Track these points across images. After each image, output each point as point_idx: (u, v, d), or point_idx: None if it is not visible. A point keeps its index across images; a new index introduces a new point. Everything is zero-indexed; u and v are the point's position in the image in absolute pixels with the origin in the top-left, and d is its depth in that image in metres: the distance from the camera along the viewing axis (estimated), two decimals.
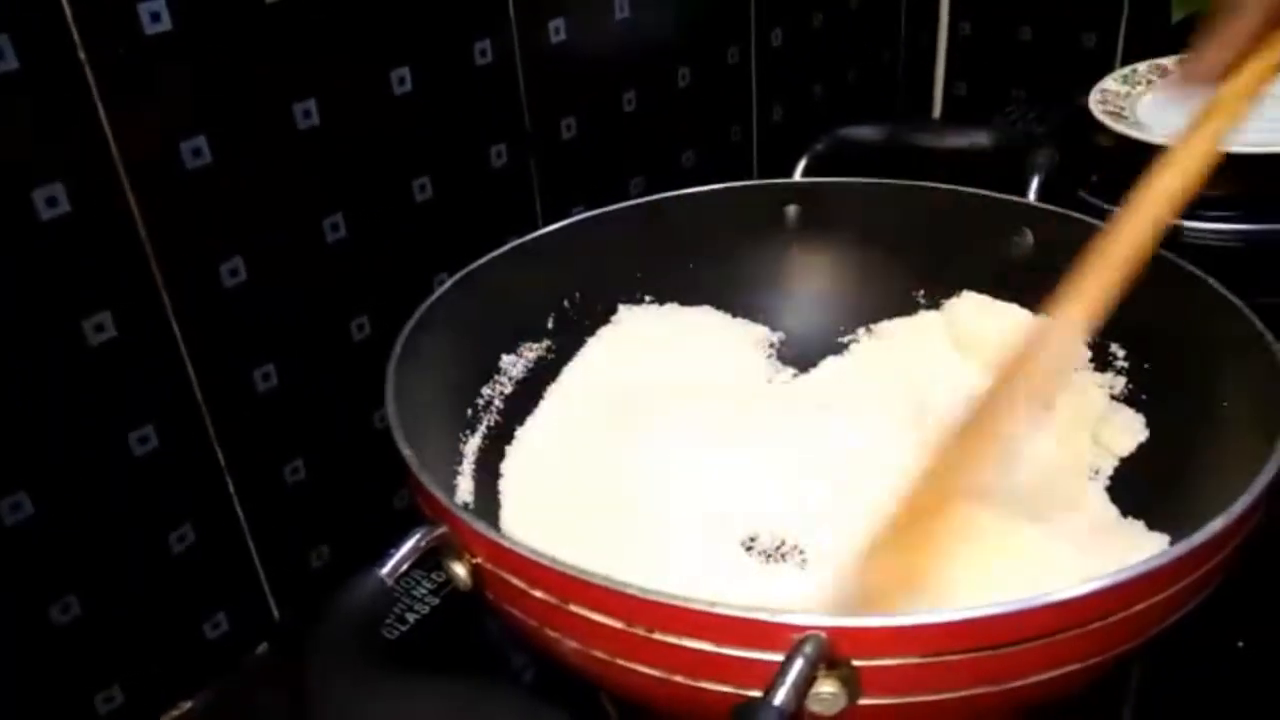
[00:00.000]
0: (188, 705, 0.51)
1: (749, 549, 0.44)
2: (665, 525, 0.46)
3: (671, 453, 0.50)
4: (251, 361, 0.51)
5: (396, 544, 0.31)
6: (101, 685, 0.48)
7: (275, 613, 0.55)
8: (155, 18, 0.44)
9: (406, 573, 0.30)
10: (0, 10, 0.40)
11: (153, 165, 0.45)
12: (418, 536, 0.31)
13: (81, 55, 0.42)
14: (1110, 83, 0.82)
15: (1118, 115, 0.77)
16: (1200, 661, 0.42)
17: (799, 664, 0.26)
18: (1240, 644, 0.43)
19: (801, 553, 0.44)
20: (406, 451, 0.35)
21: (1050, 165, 0.50)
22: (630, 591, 0.28)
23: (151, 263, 0.46)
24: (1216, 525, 0.29)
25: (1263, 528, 0.46)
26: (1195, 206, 0.70)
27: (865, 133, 0.57)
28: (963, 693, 0.28)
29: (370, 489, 0.58)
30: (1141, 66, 0.84)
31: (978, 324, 0.51)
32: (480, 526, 0.31)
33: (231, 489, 0.52)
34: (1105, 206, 0.74)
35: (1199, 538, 0.29)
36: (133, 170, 0.44)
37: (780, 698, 0.25)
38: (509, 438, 0.50)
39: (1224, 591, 0.36)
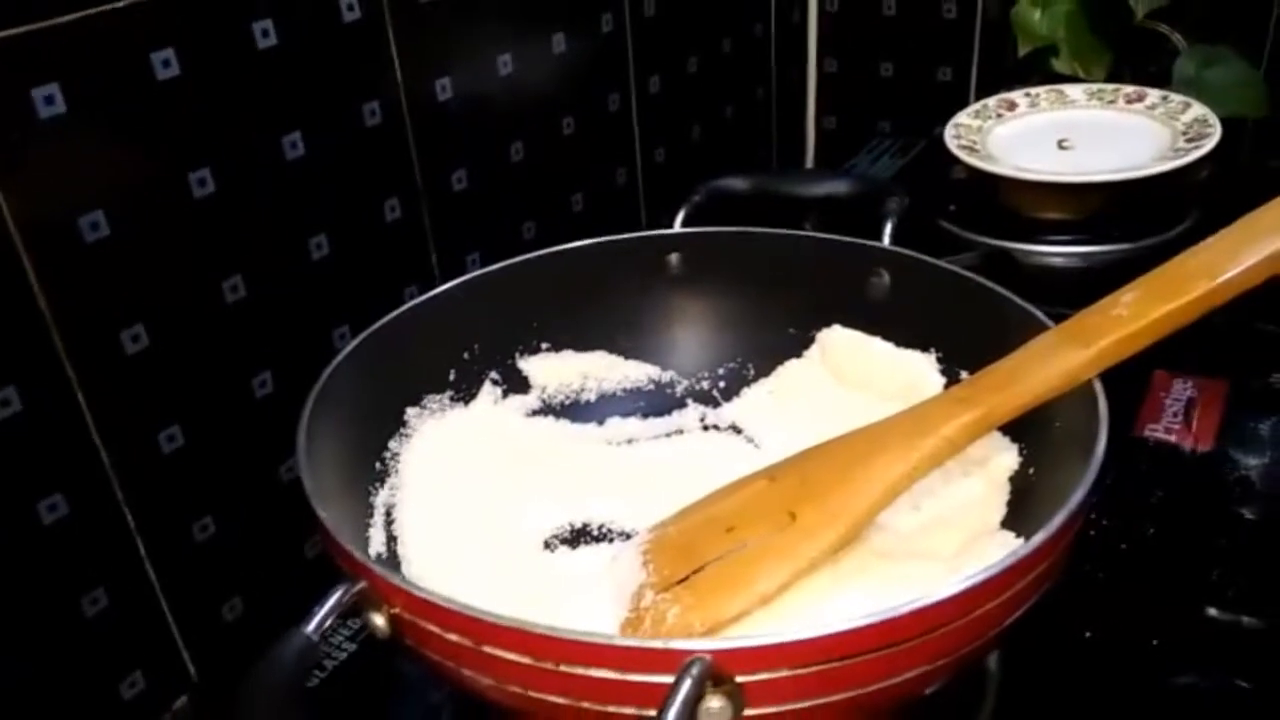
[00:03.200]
0: None
1: None
2: (539, 553, 0.50)
3: (553, 487, 0.53)
4: (157, 424, 0.52)
5: (320, 601, 0.33)
6: None
7: (190, 668, 0.56)
8: (49, 101, 0.45)
9: (330, 627, 0.32)
10: None
11: (51, 239, 0.46)
12: (339, 593, 0.33)
13: None
14: (964, 117, 0.88)
15: (970, 149, 0.83)
16: (1054, 650, 0.47)
17: (687, 683, 0.29)
18: (1088, 634, 0.48)
19: None
20: (322, 514, 0.37)
21: (900, 210, 0.55)
22: (537, 631, 0.31)
23: (53, 334, 0.47)
24: (1038, 538, 0.34)
25: (1100, 531, 0.52)
26: (1038, 230, 0.78)
27: (737, 184, 0.62)
28: (837, 696, 0.32)
29: (279, 539, 0.59)
30: (991, 101, 0.90)
31: (847, 354, 0.55)
32: (397, 580, 0.33)
33: (142, 550, 0.53)
34: (961, 234, 0.80)
35: (1023, 550, 0.34)
36: (31, 246, 0.45)
37: (672, 714, 0.28)
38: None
39: (1071, 591, 0.41)
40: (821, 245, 0.55)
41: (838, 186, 0.60)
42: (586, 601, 0.44)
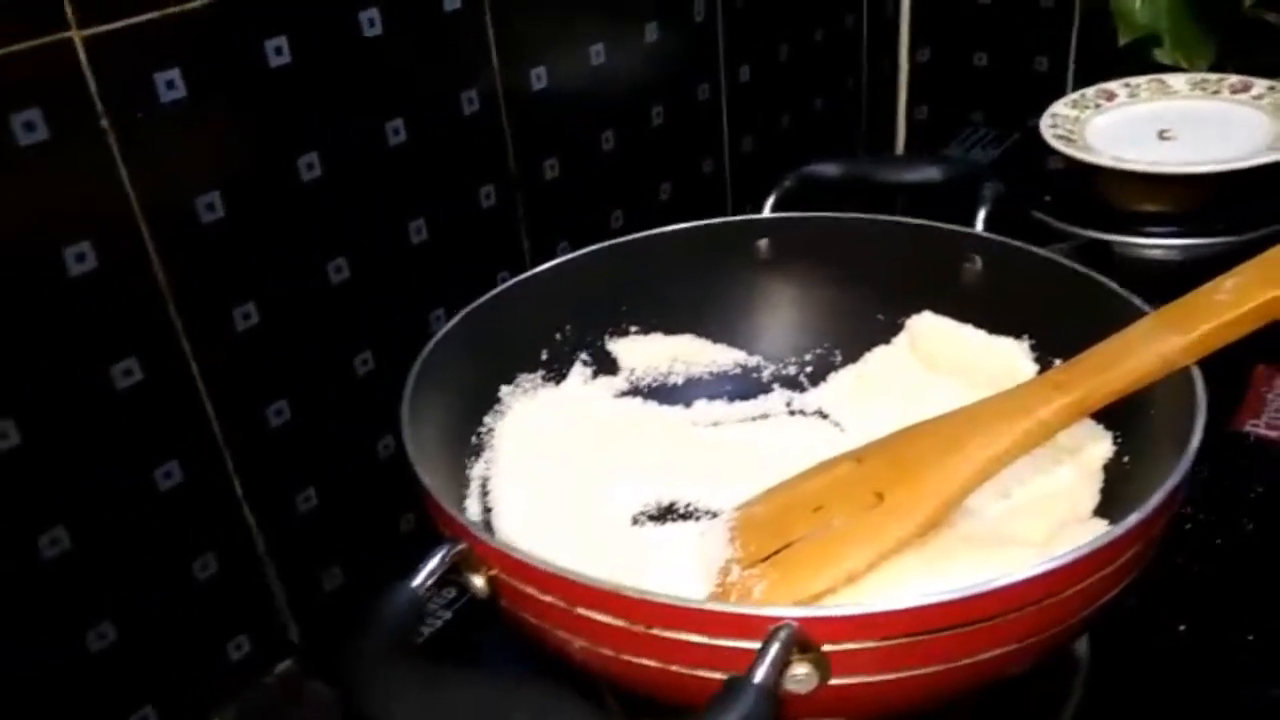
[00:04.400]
0: None
1: None
2: (628, 528, 0.51)
3: (641, 465, 0.54)
4: (264, 398, 0.55)
5: (424, 559, 0.35)
6: (135, 706, 0.51)
7: (293, 632, 0.59)
8: (170, 85, 0.48)
9: (433, 585, 0.34)
10: (31, 86, 0.43)
11: (171, 220, 0.48)
12: (442, 552, 0.35)
13: (104, 123, 0.46)
14: (1060, 107, 0.86)
15: (1067, 139, 0.82)
16: (1145, 643, 0.46)
17: (775, 648, 0.30)
18: (1181, 628, 0.47)
19: None
20: (426, 480, 0.39)
21: (995, 196, 0.55)
22: (630, 594, 0.32)
23: (171, 310, 0.50)
24: (1129, 521, 0.34)
25: (1197, 524, 0.51)
26: (1137, 222, 0.76)
27: (828, 169, 0.62)
28: (920, 671, 0.33)
29: (376, 513, 0.61)
30: (1090, 91, 0.88)
31: (937, 341, 0.55)
32: (497, 543, 0.35)
33: (250, 519, 0.55)
34: (1056, 225, 0.79)
35: (1113, 533, 0.34)
36: (153, 226, 0.48)
37: (759, 676, 0.29)
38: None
39: (1166, 584, 0.40)
40: (912, 231, 0.55)
41: (931, 172, 0.60)
42: (673, 575, 0.45)
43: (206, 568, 0.53)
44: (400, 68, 0.57)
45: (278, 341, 0.54)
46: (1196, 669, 0.46)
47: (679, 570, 0.45)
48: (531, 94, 0.65)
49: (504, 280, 0.59)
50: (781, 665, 0.30)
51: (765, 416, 0.59)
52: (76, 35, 0.44)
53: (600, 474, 0.53)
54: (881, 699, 0.34)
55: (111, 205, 0.47)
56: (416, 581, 0.34)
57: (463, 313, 0.51)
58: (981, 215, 0.54)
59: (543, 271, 0.55)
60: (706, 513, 0.52)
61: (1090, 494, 0.46)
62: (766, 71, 0.84)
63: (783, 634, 0.30)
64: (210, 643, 0.55)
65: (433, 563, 0.35)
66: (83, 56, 0.44)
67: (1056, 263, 0.50)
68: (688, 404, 0.59)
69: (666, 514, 0.52)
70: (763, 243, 0.59)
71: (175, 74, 0.47)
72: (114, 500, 0.49)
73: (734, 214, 0.83)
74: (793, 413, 0.59)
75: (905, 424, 0.46)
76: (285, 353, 0.55)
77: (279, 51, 0.51)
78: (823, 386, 0.59)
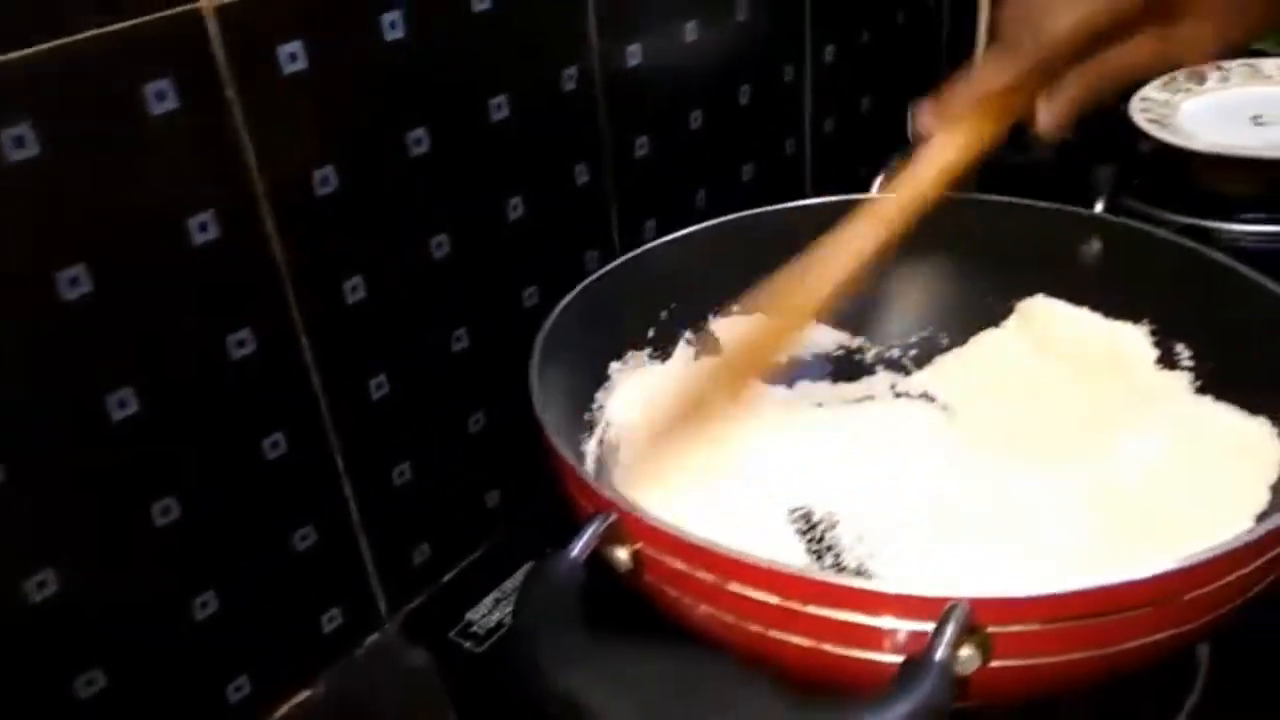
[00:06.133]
0: (307, 694, 0.55)
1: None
2: (733, 500, 0.50)
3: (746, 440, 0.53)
4: (367, 372, 0.55)
5: (580, 531, 0.35)
6: (232, 676, 0.52)
7: (382, 606, 0.59)
8: (293, 58, 0.48)
9: (590, 556, 0.34)
10: (163, 56, 0.43)
11: (288, 192, 0.48)
12: (595, 524, 0.35)
13: (229, 93, 0.46)
14: (1151, 90, 0.85)
15: (1159, 123, 0.81)
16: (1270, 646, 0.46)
17: (952, 626, 0.30)
18: None
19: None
20: (564, 452, 0.39)
21: (1114, 180, 0.54)
22: (790, 572, 0.32)
23: (285, 281, 0.50)
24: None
25: None
26: (1229, 208, 0.74)
27: None
28: (1073, 655, 0.32)
29: (466, 488, 0.62)
30: (1181, 74, 0.87)
31: (1051, 324, 0.54)
32: (649, 517, 0.35)
33: (348, 490, 0.56)
34: (1147, 210, 0.77)
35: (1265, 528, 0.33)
36: (272, 197, 0.48)
37: (940, 653, 0.29)
38: None
39: None
40: (1029, 212, 0.54)
41: (1044, 153, 0.59)
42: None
43: (306, 538, 0.54)
44: (503, 44, 0.56)
45: (382, 316, 0.54)
46: None
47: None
48: (627, 70, 0.64)
49: (592, 261, 0.59)
50: (957, 644, 0.29)
51: (870, 398, 0.59)
52: (206, 5, 0.44)
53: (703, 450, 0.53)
54: (1027, 684, 0.34)
55: (234, 175, 0.47)
56: (575, 551, 0.34)
57: (579, 287, 0.51)
58: (1102, 197, 0.53)
59: (653, 248, 0.55)
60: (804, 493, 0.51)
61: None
62: (850, 53, 0.83)
63: (958, 613, 0.30)
64: (306, 614, 0.55)
65: (588, 534, 0.35)
66: (211, 27, 0.44)
67: (1183, 246, 0.49)
68: (790, 384, 0.59)
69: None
70: None
71: (298, 46, 0.47)
72: (224, 468, 0.49)
73: (812, 195, 0.83)
74: (898, 395, 0.58)
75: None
76: (388, 327, 0.55)
77: (394, 26, 0.51)
78: (928, 369, 0.59)
